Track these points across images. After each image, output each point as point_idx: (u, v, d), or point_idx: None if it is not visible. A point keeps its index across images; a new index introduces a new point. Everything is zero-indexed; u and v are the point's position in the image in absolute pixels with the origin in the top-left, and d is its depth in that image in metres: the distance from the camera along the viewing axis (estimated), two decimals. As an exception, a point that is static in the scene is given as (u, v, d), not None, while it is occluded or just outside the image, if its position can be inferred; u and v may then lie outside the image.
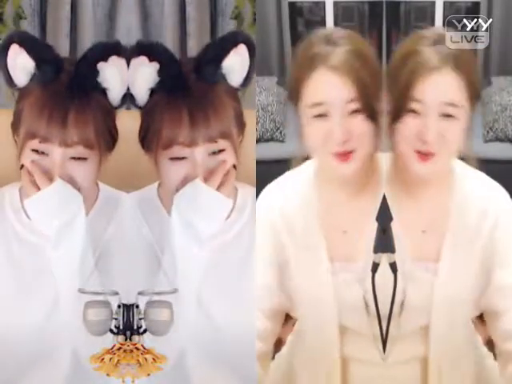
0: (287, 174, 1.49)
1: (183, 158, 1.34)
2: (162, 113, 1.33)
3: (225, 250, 1.40)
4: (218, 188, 1.35)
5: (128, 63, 1.36)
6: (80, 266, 1.33)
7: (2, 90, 2.79)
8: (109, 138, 1.37)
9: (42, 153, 1.32)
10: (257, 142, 4.01)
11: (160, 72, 1.35)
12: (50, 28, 2.81)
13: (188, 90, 1.34)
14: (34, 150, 1.33)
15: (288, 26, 4.21)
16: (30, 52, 1.34)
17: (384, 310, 1.38)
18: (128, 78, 1.36)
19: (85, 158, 1.33)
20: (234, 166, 1.38)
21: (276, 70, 4.19)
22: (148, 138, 1.37)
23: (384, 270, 1.37)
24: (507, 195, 1.49)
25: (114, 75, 1.34)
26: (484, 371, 1.50)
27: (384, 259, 1.36)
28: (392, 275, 1.37)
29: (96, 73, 1.34)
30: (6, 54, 1.34)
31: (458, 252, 1.39)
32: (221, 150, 1.36)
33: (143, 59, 1.35)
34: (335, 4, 4.26)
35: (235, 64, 1.38)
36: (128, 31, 2.66)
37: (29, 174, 1.33)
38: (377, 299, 1.38)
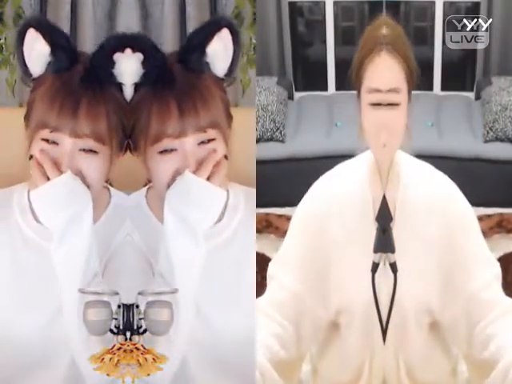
0: (343, 164, 1.48)
1: (172, 151, 1.32)
2: (148, 107, 1.31)
3: (218, 252, 1.37)
4: (209, 178, 1.32)
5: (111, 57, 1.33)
6: (84, 266, 1.30)
7: (1, 90, 2.80)
8: (122, 136, 1.34)
9: (53, 142, 1.30)
10: (257, 142, 4.03)
11: (144, 63, 1.32)
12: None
13: (174, 80, 1.32)
14: (44, 140, 1.30)
15: (288, 26, 4.21)
16: (46, 37, 1.32)
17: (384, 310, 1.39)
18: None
19: (95, 152, 1.31)
20: (226, 158, 1.35)
21: (276, 70, 4.19)
22: (135, 135, 1.34)
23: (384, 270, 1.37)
24: (457, 192, 1.44)
25: (129, 66, 1.32)
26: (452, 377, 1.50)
27: (384, 259, 1.37)
28: (392, 275, 1.37)
29: (112, 64, 1.32)
30: (23, 40, 1.32)
31: (406, 248, 1.37)
32: (210, 140, 1.33)
33: (127, 51, 1.32)
34: (335, 4, 4.27)
35: (219, 50, 1.36)
36: (128, 31, 2.66)
37: (38, 165, 1.30)
38: (377, 299, 1.38)
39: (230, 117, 1.38)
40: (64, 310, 1.30)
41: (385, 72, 1.31)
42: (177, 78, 1.32)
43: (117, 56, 1.32)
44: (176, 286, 1.31)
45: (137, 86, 1.34)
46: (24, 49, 1.33)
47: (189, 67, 1.34)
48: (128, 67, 1.33)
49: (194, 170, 1.32)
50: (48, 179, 1.30)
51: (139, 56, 1.32)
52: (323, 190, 1.45)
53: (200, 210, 1.32)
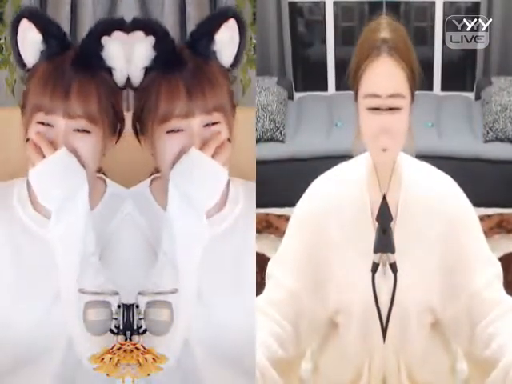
0: (342, 164, 1.48)
1: (179, 131, 1.36)
2: (158, 89, 1.35)
3: (218, 243, 1.39)
4: (213, 157, 1.36)
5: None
6: (80, 244, 1.33)
7: (1, 90, 2.80)
8: (113, 117, 1.38)
9: (48, 124, 1.34)
10: (257, 142, 4.03)
11: (156, 46, 1.37)
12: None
13: (183, 63, 1.36)
14: (39, 123, 1.34)
15: (288, 26, 4.21)
16: (38, 26, 1.37)
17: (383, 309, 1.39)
18: (126, 56, 1.38)
19: (88, 132, 1.34)
20: (229, 141, 1.38)
21: (276, 70, 4.19)
22: (143, 117, 1.38)
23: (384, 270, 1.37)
24: (459, 192, 1.44)
25: (117, 50, 1.37)
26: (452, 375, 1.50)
27: (384, 259, 1.37)
28: (392, 275, 1.37)
29: (100, 47, 1.36)
30: (17, 30, 1.38)
31: (408, 249, 1.38)
32: (215, 123, 1.37)
33: (139, 34, 1.37)
34: (335, 4, 4.27)
35: (226, 39, 1.40)
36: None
37: (34, 145, 1.34)
38: (377, 299, 1.38)
39: (233, 107, 1.42)
40: (62, 291, 1.32)
41: (384, 77, 1.30)
42: (186, 62, 1.37)
43: (105, 40, 1.36)
44: (179, 264, 1.33)
45: (147, 70, 1.38)
46: (18, 39, 1.38)
47: (197, 53, 1.39)
48: (139, 50, 1.37)
49: (199, 148, 1.35)
50: (44, 157, 1.34)
51: (151, 39, 1.37)
52: (321, 190, 1.46)
53: (203, 187, 1.36)
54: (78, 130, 1.34)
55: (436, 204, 1.40)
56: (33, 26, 1.37)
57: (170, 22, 2.78)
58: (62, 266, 1.32)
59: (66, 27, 2.71)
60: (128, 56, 1.38)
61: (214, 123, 1.37)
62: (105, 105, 1.36)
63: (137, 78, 1.39)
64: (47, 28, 1.38)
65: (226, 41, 1.40)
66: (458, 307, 1.40)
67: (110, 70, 1.38)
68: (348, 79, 1.36)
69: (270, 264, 1.48)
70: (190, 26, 2.78)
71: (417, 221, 1.39)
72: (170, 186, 1.34)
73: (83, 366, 1.31)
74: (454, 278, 1.40)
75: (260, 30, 3.90)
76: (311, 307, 1.43)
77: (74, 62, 1.35)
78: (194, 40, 1.41)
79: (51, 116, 1.33)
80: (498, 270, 1.43)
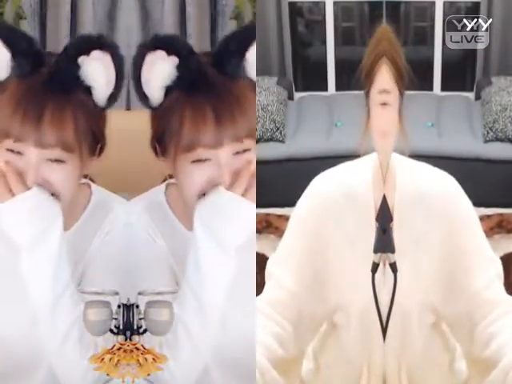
0: (345, 164, 1.47)
1: (206, 160, 1.25)
2: (181, 113, 1.24)
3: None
4: (244, 192, 1.27)
5: (142, 58, 1.26)
6: (55, 279, 1.25)
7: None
8: (92, 141, 1.28)
9: (18, 152, 1.24)
10: (257, 142, 4.02)
11: (179, 67, 1.25)
12: (50, 28, 2.81)
13: (210, 85, 1.25)
14: (8, 150, 1.25)
15: (288, 26, 4.21)
16: (5, 42, 1.26)
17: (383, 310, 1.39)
18: (144, 75, 1.27)
19: (63, 161, 1.25)
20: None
21: (276, 70, 4.19)
22: (165, 142, 1.27)
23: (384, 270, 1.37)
24: (459, 191, 1.44)
25: (96, 70, 1.25)
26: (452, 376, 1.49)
27: (384, 259, 1.37)
28: (392, 275, 1.37)
29: (77, 67, 1.25)
30: None
31: (407, 249, 1.37)
32: (246, 150, 1.27)
33: (161, 53, 1.25)
34: (335, 4, 4.27)
35: (253, 56, 1.30)
36: (128, 31, 2.66)
37: (2, 178, 1.24)
38: (377, 299, 1.38)
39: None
40: (39, 323, 1.26)
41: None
42: (212, 83, 1.26)
43: (82, 59, 1.25)
44: (204, 301, 1.28)
45: (167, 90, 1.27)
46: None
47: (225, 71, 1.28)
48: (160, 70, 1.26)
49: (229, 182, 1.27)
50: (13, 194, 1.24)
51: (174, 59, 1.26)
52: (323, 188, 1.45)
53: (233, 227, 1.27)
54: (51, 160, 1.24)
55: (435, 203, 1.39)
56: (0, 42, 1.25)
57: (169, 22, 2.78)
58: (36, 298, 1.26)
59: (65, 27, 2.71)
60: (144, 74, 1.26)
61: (245, 150, 1.27)
62: (82, 129, 1.25)
63: (156, 97, 1.27)
64: (16, 45, 1.26)
65: (252, 58, 1.30)
66: (459, 307, 1.40)
67: (88, 90, 1.26)
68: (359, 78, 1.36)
69: (269, 263, 1.48)
70: (190, 26, 2.79)
71: (415, 221, 1.38)
72: (197, 219, 1.26)
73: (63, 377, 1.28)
74: (455, 278, 1.40)
75: (260, 30, 3.90)
76: (311, 307, 1.43)
77: (47, 83, 1.24)
78: (223, 58, 1.28)
79: (21, 144, 1.23)
80: (498, 269, 1.42)
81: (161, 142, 1.29)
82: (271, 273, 1.46)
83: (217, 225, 1.26)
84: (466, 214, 1.43)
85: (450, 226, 1.39)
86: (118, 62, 1.27)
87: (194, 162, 1.26)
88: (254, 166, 1.28)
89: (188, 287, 1.29)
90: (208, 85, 1.25)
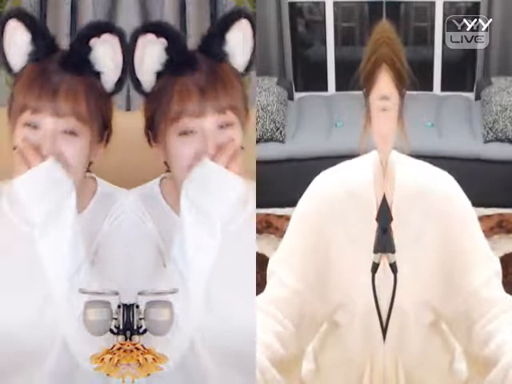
0: (347, 162, 1.48)
1: (192, 133, 1.33)
2: (170, 91, 1.33)
3: (227, 241, 1.37)
4: (228, 166, 1.32)
5: (135, 41, 1.35)
6: (69, 255, 1.30)
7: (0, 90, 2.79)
8: (101, 124, 1.36)
9: (34, 127, 1.31)
10: (257, 142, 4.03)
11: (168, 49, 1.35)
12: (50, 28, 2.80)
13: (196, 65, 1.35)
14: (25, 125, 1.32)
15: (288, 26, 4.21)
16: (26, 25, 1.35)
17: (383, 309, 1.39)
18: (135, 61, 1.35)
19: (76, 134, 1.32)
20: (242, 148, 1.35)
21: (276, 70, 4.19)
22: (156, 121, 1.35)
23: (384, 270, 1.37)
24: (456, 189, 1.45)
25: (106, 52, 1.34)
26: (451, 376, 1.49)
27: (384, 259, 1.37)
28: (392, 275, 1.37)
29: (88, 49, 1.34)
30: (3, 32, 1.35)
31: (405, 247, 1.37)
32: (229, 125, 1.34)
33: (151, 36, 1.35)
34: (335, 4, 4.27)
35: (237, 39, 1.38)
36: (128, 31, 2.65)
37: (21, 155, 1.31)
38: (377, 299, 1.38)
39: (247, 111, 1.40)
40: (53, 300, 1.30)
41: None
42: (198, 64, 1.35)
43: (93, 41, 1.34)
44: (188, 275, 1.31)
45: (158, 75, 1.36)
46: (5, 41, 1.35)
47: (210, 55, 1.37)
48: (151, 53, 1.35)
49: (214, 154, 1.32)
50: (30, 167, 1.30)
51: (163, 42, 1.35)
52: (326, 187, 1.45)
53: (218, 200, 1.32)
54: (66, 132, 1.31)
55: (433, 201, 1.40)
56: (21, 26, 1.34)
57: (170, 22, 2.78)
58: (52, 275, 1.30)
59: (65, 27, 2.70)
60: (137, 59, 1.35)
61: (228, 125, 1.34)
62: (93, 108, 1.33)
63: (148, 82, 1.37)
64: (36, 28, 1.36)
65: (237, 41, 1.38)
66: (457, 306, 1.40)
67: (98, 75, 1.36)
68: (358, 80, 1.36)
69: (271, 261, 1.48)
70: (190, 26, 2.78)
71: (413, 219, 1.39)
72: (183, 196, 1.31)
73: (79, 367, 1.31)
74: (452, 277, 1.40)
75: (260, 30, 3.90)
76: (313, 306, 1.43)
77: (61, 64, 1.33)
78: (206, 41, 1.39)
79: (38, 115, 1.31)
80: (496, 267, 1.42)
81: (152, 126, 1.37)
82: (273, 271, 1.46)
83: (201, 199, 1.31)
84: (464, 212, 1.43)
85: (448, 225, 1.40)
86: (125, 46, 1.36)
87: (181, 134, 1.33)
88: (237, 144, 1.34)
89: (173, 262, 1.32)
90: (194, 65, 1.35)
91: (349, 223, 1.40)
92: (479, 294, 1.38)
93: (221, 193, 1.32)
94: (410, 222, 1.38)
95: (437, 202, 1.40)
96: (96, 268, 1.34)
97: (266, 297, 1.43)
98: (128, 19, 2.66)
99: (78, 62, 1.33)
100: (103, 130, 1.37)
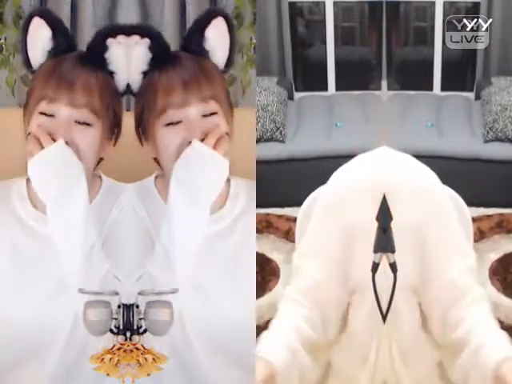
0: (362, 156, 1.53)
1: (178, 123, 1.37)
2: (155, 87, 1.39)
3: (218, 241, 1.40)
4: (214, 149, 1.37)
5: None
6: (80, 237, 1.34)
7: (1, 90, 2.80)
8: (113, 119, 1.40)
9: (50, 115, 1.36)
10: (257, 142, 4.03)
11: (151, 47, 1.41)
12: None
13: (179, 61, 1.40)
14: (41, 114, 1.36)
15: (288, 26, 4.21)
16: (49, 23, 1.41)
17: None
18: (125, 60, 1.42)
19: (89, 125, 1.37)
20: (228, 135, 1.40)
21: (276, 70, 4.19)
22: (144, 117, 1.40)
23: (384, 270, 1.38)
24: (435, 183, 1.49)
25: (120, 53, 1.40)
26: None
27: (384, 259, 1.37)
28: (392, 275, 1.38)
29: (105, 49, 1.40)
30: (27, 29, 1.41)
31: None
32: (212, 113, 1.39)
33: (136, 38, 1.41)
34: (335, 4, 4.26)
35: (215, 36, 1.44)
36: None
37: (34, 138, 1.36)
38: (378, 299, 1.38)
39: (230, 105, 1.44)
40: (67, 282, 1.33)
41: None
42: (181, 60, 1.41)
43: (109, 41, 1.40)
44: (176, 255, 1.35)
45: (145, 75, 1.41)
46: (28, 38, 1.41)
47: (191, 52, 1.42)
48: (136, 53, 1.41)
49: (200, 139, 1.37)
50: (43, 149, 1.35)
51: (147, 41, 1.40)
52: (347, 180, 1.51)
53: (206, 179, 1.37)
54: (79, 122, 1.36)
55: (411, 193, 1.44)
56: (44, 23, 1.40)
57: (169, 22, 2.78)
58: (64, 258, 1.33)
59: (65, 27, 2.70)
60: (128, 60, 1.41)
61: (211, 113, 1.38)
62: (106, 103, 1.38)
63: (136, 82, 1.42)
64: (57, 26, 1.42)
65: (216, 38, 1.43)
66: (432, 295, 1.45)
67: (111, 75, 1.41)
68: None
69: (295, 256, 1.53)
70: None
71: (395, 208, 1.40)
72: (172, 178, 1.36)
73: (86, 354, 1.31)
74: (428, 268, 1.45)
75: (260, 30, 3.91)
76: (338, 296, 1.48)
77: (78, 60, 1.39)
78: (187, 39, 1.44)
79: (54, 104, 1.35)
80: (470, 261, 1.48)
81: (141, 121, 1.42)
82: (299, 265, 1.51)
83: (190, 180, 1.36)
84: (440, 204, 1.47)
85: (424, 216, 1.44)
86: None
87: (167, 125, 1.38)
88: (222, 129, 1.39)
89: (160, 243, 1.36)
90: (177, 61, 1.41)
91: (367, 214, 1.41)
92: (454, 284, 1.44)
93: (207, 172, 1.37)
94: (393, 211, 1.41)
95: (414, 194, 1.45)
96: (105, 249, 1.38)
97: (294, 287, 1.49)
98: (128, 19, 2.66)
99: (95, 60, 1.39)
100: (114, 126, 1.41)
